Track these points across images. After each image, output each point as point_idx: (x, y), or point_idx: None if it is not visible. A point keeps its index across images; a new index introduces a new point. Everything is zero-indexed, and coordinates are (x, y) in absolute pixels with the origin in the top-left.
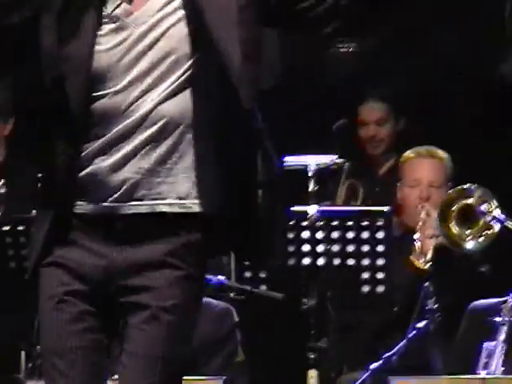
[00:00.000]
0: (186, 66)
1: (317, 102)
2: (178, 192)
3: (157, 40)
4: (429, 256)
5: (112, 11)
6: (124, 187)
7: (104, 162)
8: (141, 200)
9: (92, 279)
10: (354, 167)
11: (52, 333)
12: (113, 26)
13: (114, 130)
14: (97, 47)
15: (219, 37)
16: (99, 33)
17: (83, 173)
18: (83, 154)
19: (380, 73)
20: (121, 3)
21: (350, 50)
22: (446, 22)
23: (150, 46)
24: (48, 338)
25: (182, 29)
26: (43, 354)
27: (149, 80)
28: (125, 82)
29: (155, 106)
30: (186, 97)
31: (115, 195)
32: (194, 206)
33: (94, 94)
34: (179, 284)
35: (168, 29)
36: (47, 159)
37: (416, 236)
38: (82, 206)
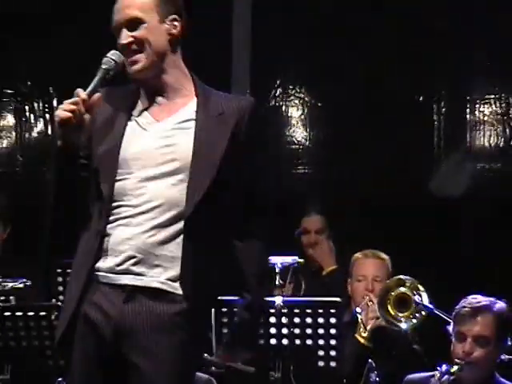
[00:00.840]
0: (186, 172)
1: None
2: (168, 276)
3: (168, 146)
4: (367, 334)
5: (138, 115)
6: (129, 262)
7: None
8: (142, 275)
9: (105, 339)
10: (302, 267)
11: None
12: (137, 128)
13: (132, 210)
14: (123, 143)
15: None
16: (126, 131)
17: (105, 243)
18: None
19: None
20: (145, 109)
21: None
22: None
23: (163, 150)
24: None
25: (189, 144)
26: None
27: (160, 177)
28: (142, 174)
29: (162, 195)
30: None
31: (123, 266)
32: (179, 288)
33: (118, 178)
34: (177, 349)
35: (178, 141)
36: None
37: (359, 316)
38: (101, 274)
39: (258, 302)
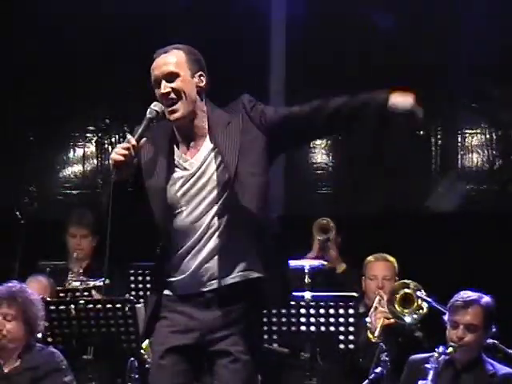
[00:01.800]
0: (221, 195)
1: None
2: (239, 269)
3: (200, 178)
4: (377, 332)
5: (176, 153)
6: (206, 276)
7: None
8: (214, 279)
9: (189, 334)
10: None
11: (160, 372)
12: (177, 168)
13: (191, 239)
14: (169, 183)
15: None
16: (171, 173)
17: (181, 265)
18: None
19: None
20: (181, 146)
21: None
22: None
23: (198, 181)
24: (156, 376)
25: (213, 166)
26: None
27: (204, 203)
28: (189, 206)
29: (211, 220)
30: (228, 213)
31: (195, 282)
32: (248, 274)
33: (174, 213)
34: (248, 334)
35: (208, 170)
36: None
37: (367, 319)
38: (182, 288)
39: None
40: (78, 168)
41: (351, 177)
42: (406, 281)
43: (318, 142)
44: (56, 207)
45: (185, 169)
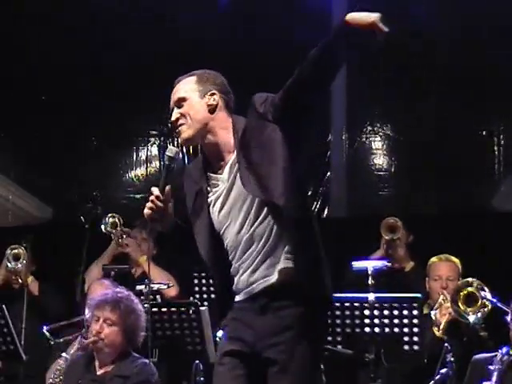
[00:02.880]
0: (254, 200)
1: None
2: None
3: (231, 190)
4: (442, 326)
5: (212, 179)
6: (251, 287)
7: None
8: (261, 279)
9: (244, 341)
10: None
11: (220, 376)
12: (214, 189)
13: (239, 249)
14: (211, 207)
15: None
16: (208, 198)
17: (233, 273)
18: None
19: None
20: (211, 170)
21: None
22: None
23: (230, 193)
24: (217, 379)
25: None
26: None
27: (242, 212)
28: (230, 218)
29: (249, 231)
30: (264, 220)
31: (248, 289)
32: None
33: (221, 231)
34: (299, 342)
35: (236, 180)
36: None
37: (433, 313)
38: (238, 296)
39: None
40: (141, 172)
41: (411, 178)
42: (469, 279)
43: (379, 145)
44: (120, 211)
45: (218, 186)
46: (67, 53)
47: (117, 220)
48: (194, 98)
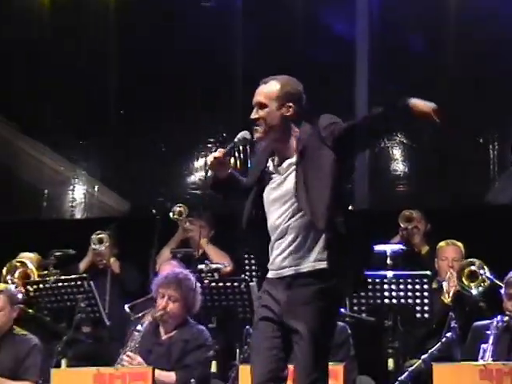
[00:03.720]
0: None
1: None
2: (309, 260)
3: (281, 185)
4: (450, 296)
5: (271, 168)
6: (276, 264)
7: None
8: (291, 267)
9: (274, 311)
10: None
11: (256, 336)
12: (271, 175)
13: (276, 232)
14: (267, 186)
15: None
16: (264, 178)
17: (271, 257)
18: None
19: None
20: (273, 160)
21: None
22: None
23: (281, 184)
24: (253, 338)
25: (293, 179)
26: (251, 351)
27: (285, 206)
28: (273, 207)
29: (286, 223)
30: (300, 219)
31: (279, 271)
32: (317, 265)
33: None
34: (320, 314)
35: (288, 179)
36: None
37: (444, 284)
38: (270, 273)
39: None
40: (200, 173)
41: (422, 178)
42: (472, 259)
43: (395, 151)
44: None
45: (273, 178)
46: (140, 69)
47: (182, 209)
48: (272, 107)
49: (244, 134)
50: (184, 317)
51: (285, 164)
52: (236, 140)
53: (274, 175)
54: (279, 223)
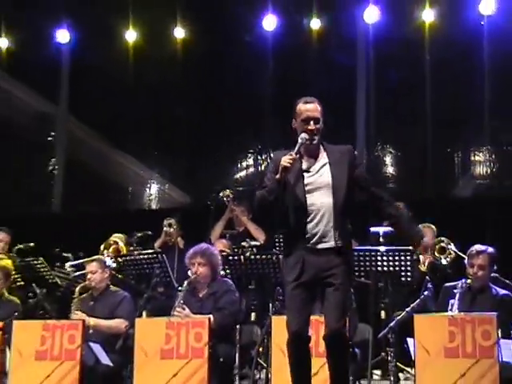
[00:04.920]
0: (328, 190)
1: None
2: (332, 238)
3: (318, 178)
4: (426, 265)
5: (305, 166)
6: (314, 239)
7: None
8: (324, 242)
9: (309, 274)
10: None
11: (291, 300)
12: (305, 173)
13: (311, 215)
14: (301, 180)
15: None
16: (300, 175)
17: (306, 229)
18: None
19: None
20: (307, 159)
21: None
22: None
23: (317, 180)
24: (287, 301)
25: (328, 175)
26: (287, 308)
27: (319, 193)
28: (311, 195)
29: (321, 205)
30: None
31: (312, 242)
32: (338, 243)
33: (302, 199)
34: (345, 274)
35: (324, 174)
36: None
37: (421, 257)
38: (308, 245)
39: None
40: (243, 173)
41: (407, 178)
42: (442, 238)
43: (386, 157)
44: None
45: (310, 172)
46: (197, 99)
47: (229, 193)
48: (321, 121)
49: (302, 139)
50: (212, 276)
51: (318, 163)
52: (300, 142)
53: (309, 169)
54: (316, 207)
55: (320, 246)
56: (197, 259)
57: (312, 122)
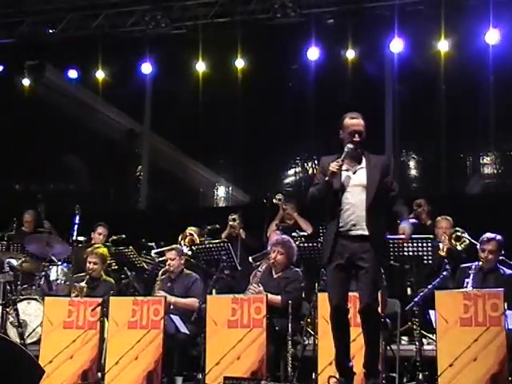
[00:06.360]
0: (363, 188)
1: None
2: (363, 227)
3: (356, 177)
4: (444, 251)
5: (347, 168)
6: (347, 227)
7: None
8: (355, 230)
9: (343, 256)
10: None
11: (331, 279)
12: (346, 172)
13: (347, 206)
14: (345, 178)
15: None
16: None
17: (341, 219)
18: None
19: None
20: (349, 166)
21: None
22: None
23: (356, 178)
24: (328, 280)
25: (364, 176)
26: (328, 286)
27: (356, 190)
28: (350, 190)
29: (353, 202)
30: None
31: (346, 229)
32: (366, 231)
33: (344, 193)
34: (374, 258)
35: (361, 175)
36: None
37: (440, 244)
38: (341, 231)
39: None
40: (292, 178)
41: (428, 178)
42: (457, 228)
43: (409, 162)
44: None
45: (349, 173)
46: (252, 118)
47: (281, 196)
48: (364, 133)
49: (347, 148)
50: (287, 264)
51: (359, 166)
52: (347, 150)
53: (350, 169)
54: (349, 201)
55: (352, 233)
56: (278, 248)
57: (357, 135)
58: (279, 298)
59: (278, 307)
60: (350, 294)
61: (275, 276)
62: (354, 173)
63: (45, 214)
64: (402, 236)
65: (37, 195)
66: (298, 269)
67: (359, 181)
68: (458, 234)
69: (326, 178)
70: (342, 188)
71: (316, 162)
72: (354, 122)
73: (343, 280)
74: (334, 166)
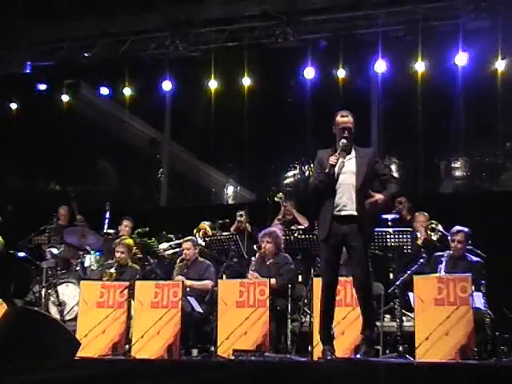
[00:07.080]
0: (353, 175)
1: None
2: (352, 209)
3: (346, 166)
4: (421, 241)
5: (341, 160)
6: (339, 207)
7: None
8: (346, 210)
9: (337, 238)
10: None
11: (325, 256)
12: (340, 163)
13: (339, 189)
14: (339, 167)
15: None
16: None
17: (336, 203)
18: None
19: None
20: (342, 155)
21: None
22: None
23: (346, 167)
24: (323, 257)
25: (353, 166)
26: (322, 262)
27: (346, 175)
28: (341, 176)
29: (347, 185)
30: (354, 183)
31: (338, 210)
32: (355, 212)
33: (337, 178)
34: (363, 238)
35: (350, 164)
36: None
37: (419, 234)
38: (335, 212)
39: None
40: (291, 179)
41: (408, 179)
42: (432, 221)
43: (393, 167)
44: None
45: (342, 162)
46: (257, 125)
47: (282, 194)
48: (353, 129)
49: (342, 143)
50: (276, 251)
51: (348, 157)
52: (341, 146)
53: (343, 162)
54: (343, 185)
55: (343, 213)
56: (265, 238)
57: (347, 132)
58: (274, 280)
59: (275, 288)
60: (341, 278)
61: (268, 263)
62: (346, 161)
63: (77, 209)
64: (388, 229)
65: (70, 194)
66: (286, 254)
67: (350, 168)
68: (433, 226)
69: (327, 170)
70: (335, 175)
71: (312, 165)
72: (344, 119)
73: (337, 259)
74: (333, 160)
